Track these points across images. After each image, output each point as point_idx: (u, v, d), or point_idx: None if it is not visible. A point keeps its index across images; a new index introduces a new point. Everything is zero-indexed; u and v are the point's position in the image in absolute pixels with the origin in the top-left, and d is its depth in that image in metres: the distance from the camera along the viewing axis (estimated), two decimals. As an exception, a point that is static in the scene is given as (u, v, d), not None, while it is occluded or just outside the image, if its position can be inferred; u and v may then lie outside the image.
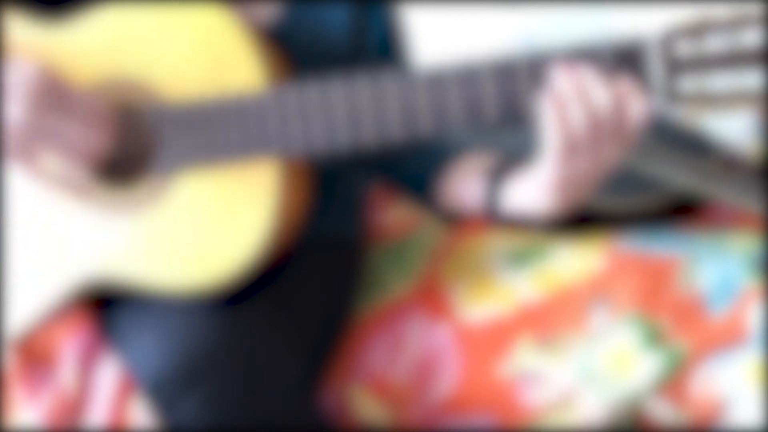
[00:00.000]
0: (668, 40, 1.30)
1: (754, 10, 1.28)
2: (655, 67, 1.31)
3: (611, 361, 1.49)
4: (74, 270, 1.49)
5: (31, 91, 1.39)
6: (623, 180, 1.63)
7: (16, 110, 1.38)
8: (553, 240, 1.58)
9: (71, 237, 1.48)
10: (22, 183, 1.48)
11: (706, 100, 1.29)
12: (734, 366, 1.47)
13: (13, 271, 1.51)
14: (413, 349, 1.55)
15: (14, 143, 1.39)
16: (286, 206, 1.45)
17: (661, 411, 1.48)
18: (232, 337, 1.41)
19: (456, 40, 2.11)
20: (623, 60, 1.31)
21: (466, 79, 1.36)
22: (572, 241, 1.57)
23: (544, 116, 1.33)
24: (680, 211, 1.68)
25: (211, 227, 1.44)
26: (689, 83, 1.30)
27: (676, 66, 1.30)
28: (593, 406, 1.49)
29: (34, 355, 1.52)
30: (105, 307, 1.52)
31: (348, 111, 1.39)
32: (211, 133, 1.42)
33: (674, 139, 1.71)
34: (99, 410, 1.48)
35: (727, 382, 1.47)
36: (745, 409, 1.46)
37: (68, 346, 1.51)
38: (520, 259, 1.58)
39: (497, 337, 1.53)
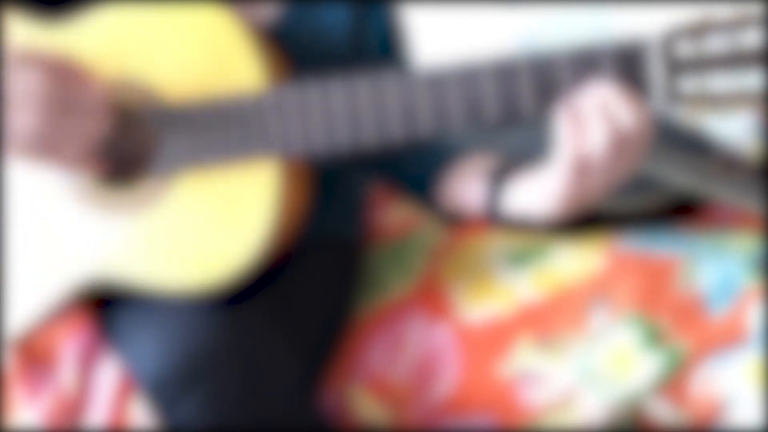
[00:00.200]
0: (669, 40, 1.30)
1: (755, 10, 1.28)
2: (656, 68, 1.30)
3: (611, 361, 1.49)
4: (74, 270, 1.49)
5: (42, 100, 1.38)
6: (623, 180, 1.63)
7: (28, 119, 1.38)
8: (553, 240, 1.58)
9: (71, 237, 1.48)
10: (22, 183, 1.48)
11: (707, 100, 1.29)
12: (734, 366, 1.47)
13: (13, 271, 1.51)
14: (413, 349, 1.55)
15: (27, 148, 1.39)
16: (286, 206, 1.45)
17: (661, 411, 1.48)
18: (232, 337, 1.41)
19: (456, 40, 2.11)
20: (624, 61, 1.31)
21: (466, 79, 1.35)
22: (572, 241, 1.57)
23: (560, 130, 1.32)
24: (680, 211, 1.68)
25: (211, 227, 1.44)
26: (690, 84, 1.30)
27: (677, 66, 1.30)
28: (593, 406, 1.49)
29: (34, 355, 1.52)
30: (105, 307, 1.52)
31: (348, 111, 1.39)
32: (211, 133, 1.42)
33: (674, 139, 1.71)
34: (99, 410, 1.48)
35: (727, 382, 1.47)
36: (745, 409, 1.46)
37: (68, 346, 1.51)
38: (520, 259, 1.58)
39: (497, 337, 1.53)
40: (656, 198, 1.67)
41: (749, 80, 1.27)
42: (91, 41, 1.46)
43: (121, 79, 1.45)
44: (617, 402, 1.48)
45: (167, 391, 1.39)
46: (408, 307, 1.58)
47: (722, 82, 1.28)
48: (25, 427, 1.48)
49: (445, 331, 1.55)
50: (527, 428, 1.50)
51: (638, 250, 1.55)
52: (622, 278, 1.52)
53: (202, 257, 1.44)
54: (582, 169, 1.33)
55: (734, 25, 1.27)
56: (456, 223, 1.61)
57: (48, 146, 1.39)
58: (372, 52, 1.58)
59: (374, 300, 1.60)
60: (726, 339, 1.48)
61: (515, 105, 1.35)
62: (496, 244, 1.61)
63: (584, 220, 1.50)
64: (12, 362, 1.51)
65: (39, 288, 1.50)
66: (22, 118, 1.37)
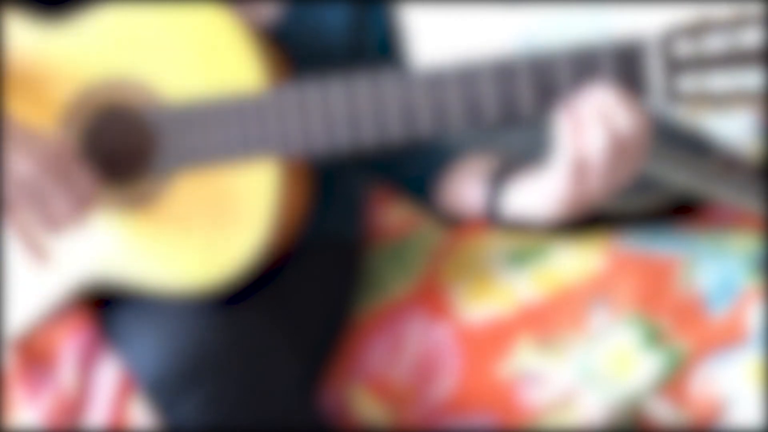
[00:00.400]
0: (668, 40, 1.30)
1: (754, 10, 1.28)
2: (655, 67, 1.30)
3: (611, 361, 1.49)
4: (74, 270, 1.49)
5: (43, 157, 1.39)
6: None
7: (24, 167, 1.39)
8: (553, 240, 1.58)
9: (71, 237, 1.48)
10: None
11: (706, 100, 1.29)
12: (734, 366, 1.47)
13: (13, 271, 1.51)
14: (413, 349, 1.55)
15: (13, 194, 1.40)
16: (285, 206, 1.45)
17: (661, 411, 1.48)
18: (232, 337, 1.41)
19: (456, 40, 2.11)
20: (623, 60, 1.31)
21: (466, 79, 1.35)
22: (572, 241, 1.57)
23: (560, 132, 1.32)
24: (680, 211, 1.68)
25: (210, 227, 1.44)
26: (689, 83, 1.29)
27: (676, 66, 1.30)
28: (593, 406, 1.49)
29: (34, 355, 1.52)
30: (105, 307, 1.52)
31: (347, 111, 1.39)
32: (210, 133, 1.43)
33: (674, 140, 1.71)
34: (99, 410, 1.48)
35: (727, 382, 1.47)
36: (745, 409, 1.46)
37: (68, 346, 1.51)
38: (520, 259, 1.58)
39: (497, 337, 1.53)
40: (656, 198, 1.67)
41: (748, 79, 1.27)
42: (91, 41, 1.46)
43: (121, 78, 1.45)
44: (617, 402, 1.48)
45: (167, 391, 1.39)
46: (408, 307, 1.58)
47: (721, 81, 1.28)
48: (25, 427, 1.48)
49: (445, 331, 1.55)
50: (527, 428, 1.50)
51: (638, 250, 1.55)
52: (622, 278, 1.52)
53: (202, 257, 1.44)
54: (581, 171, 1.33)
55: (733, 25, 1.27)
56: (455, 223, 1.61)
57: (30, 197, 1.41)
58: (372, 52, 1.58)
59: (374, 300, 1.60)
60: (726, 339, 1.48)
61: (514, 105, 1.35)
62: (496, 244, 1.60)
63: (584, 220, 1.50)
64: (12, 362, 1.51)
65: (39, 288, 1.50)
66: (23, 164, 1.39)
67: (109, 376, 1.49)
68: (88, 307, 1.53)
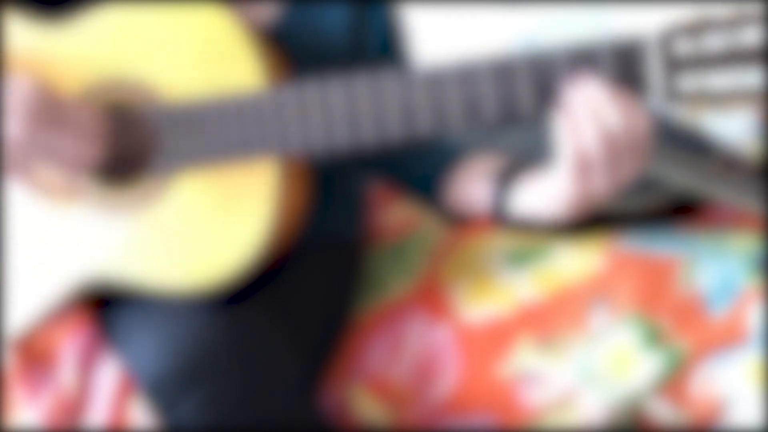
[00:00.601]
0: (667, 39, 1.30)
1: (754, 8, 1.28)
2: (654, 66, 1.30)
3: (611, 361, 1.49)
4: (74, 270, 1.49)
5: (28, 109, 1.39)
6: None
7: (15, 127, 1.38)
8: (553, 240, 1.58)
9: (71, 237, 1.48)
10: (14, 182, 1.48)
11: (706, 98, 1.29)
12: (734, 366, 1.47)
13: (13, 271, 1.51)
14: (413, 349, 1.55)
15: (12, 159, 1.40)
16: (285, 206, 1.45)
17: (661, 411, 1.48)
18: (231, 337, 1.41)
19: (456, 40, 2.11)
20: (622, 59, 1.31)
21: (465, 78, 1.35)
22: (572, 241, 1.57)
23: (559, 132, 1.33)
24: (680, 211, 1.67)
25: (210, 227, 1.44)
26: (688, 82, 1.29)
27: (676, 65, 1.30)
28: (593, 406, 1.49)
29: (34, 355, 1.52)
30: (105, 307, 1.52)
31: (347, 110, 1.39)
32: (210, 132, 1.43)
33: (674, 139, 1.71)
34: (99, 410, 1.48)
35: (727, 382, 1.47)
36: (745, 409, 1.45)
37: (68, 346, 1.51)
38: (520, 259, 1.58)
39: (497, 337, 1.53)
40: (656, 198, 1.67)
41: (748, 78, 1.27)
42: (90, 41, 1.47)
43: (121, 78, 1.46)
44: (617, 402, 1.48)
45: (167, 391, 1.39)
46: (408, 307, 1.58)
47: (721, 80, 1.28)
48: (25, 427, 1.48)
49: (445, 331, 1.54)
50: (527, 428, 1.50)
51: (638, 250, 1.55)
52: (622, 278, 1.52)
53: (202, 257, 1.44)
54: (583, 169, 1.33)
55: (732, 24, 1.27)
56: (458, 222, 1.61)
57: (34, 154, 1.40)
58: (372, 52, 1.58)
59: (374, 300, 1.60)
60: (726, 339, 1.48)
61: (514, 104, 1.35)
62: (496, 244, 1.60)
63: (587, 220, 1.50)
64: (12, 362, 1.51)
65: (39, 288, 1.50)
66: (12, 125, 1.38)
67: (109, 376, 1.49)
68: (88, 307, 1.53)
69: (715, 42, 1.28)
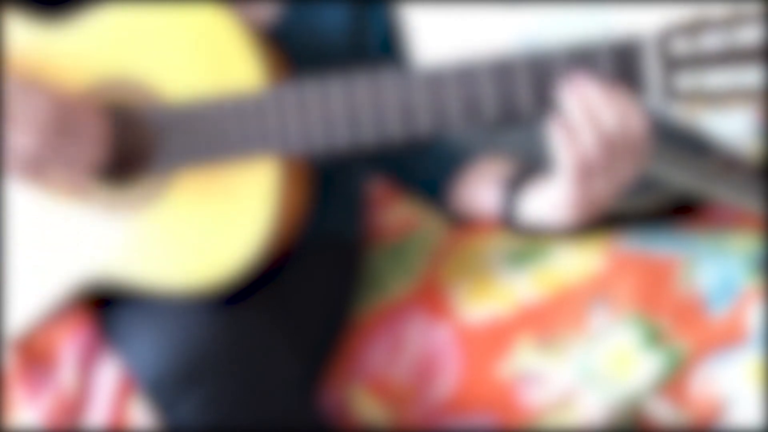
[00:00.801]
0: (665, 38, 1.30)
1: (751, 7, 1.28)
2: (652, 65, 1.30)
3: (611, 361, 1.49)
4: (74, 270, 1.49)
5: (42, 123, 1.40)
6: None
7: (27, 140, 1.40)
8: (553, 240, 1.58)
9: (71, 237, 1.48)
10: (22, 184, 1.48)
11: (704, 97, 1.29)
12: (734, 366, 1.47)
13: (13, 271, 1.51)
14: (413, 349, 1.54)
15: (27, 167, 1.41)
16: (285, 205, 1.45)
17: (661, 411, 1.48)
18: (231, 337, 1.41)
19: (456, 40, 2.11)
20: (621, 58, 1.31)
21: (465, 77, 1.36)
22: (572, 241, 1.57)
23: (556, 141, 1.33)
24: (680, 211, 1.67)
25: (210, 227, 1.45)
26: (686, 81, 1.29)
27: (673, 64, 1.30)
28: (593, 406, 1.48)
29: (34, 355, 1.52)
30: (105, 307, 1.53)
31: (347, 110, 1.39)
32: (210, 132, 1.43)
33: (674, 139, 1.70)
34: (99, 410, 1.48)
35: (727, 382, 1.47)
36: (745, 409, 1.45)
37: (68, 346, 1.51)
38: (520, 259, 1.58)
39: (497, 337, 1.53)
40: (656, 198, 1.67)
41: (746, 77, 1.27)
42: (90, 41, 1.47)
43: (121, 78, 1.46)
44: (617, 402, 1.48)
45: (167, 391, 1.39)
46: (408, 307, 1.58)
47: (718, 79, 1.28)
48: (25, 427, 1.48)
49: (445, 331, 1.54)
50: (527, 428, 1.50)
51: (638, 250, 1.55)
52: (622, 278, 1.52)
53: (202, 256, 1.45)
54: (583, 175, 1.33)
55: (730, 23, 1.27)
56: (461, 223, 1.61)
57: (45, 162, 1.41)
58: (371, 51, 1.58)
59: (374, 300, 1.60)
60: (726, 339, 1.48)
61: (513, 103, 1.35)
62: (496, 244, 1.60)
63: (591, 224, 1.50)
64: (12, 362, 1.51)
65: (39, 288, 1.50)
66: (24, 137, 1.39)
67: (109, 376, 1.49)
68: (88, 307, 1.53)
69: (712, 41, 1.28)
